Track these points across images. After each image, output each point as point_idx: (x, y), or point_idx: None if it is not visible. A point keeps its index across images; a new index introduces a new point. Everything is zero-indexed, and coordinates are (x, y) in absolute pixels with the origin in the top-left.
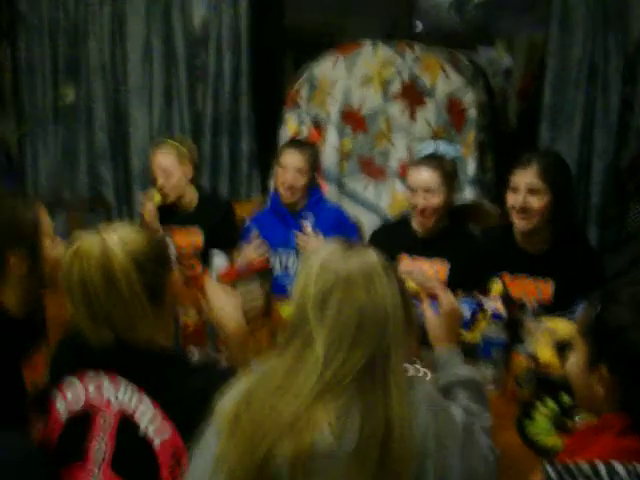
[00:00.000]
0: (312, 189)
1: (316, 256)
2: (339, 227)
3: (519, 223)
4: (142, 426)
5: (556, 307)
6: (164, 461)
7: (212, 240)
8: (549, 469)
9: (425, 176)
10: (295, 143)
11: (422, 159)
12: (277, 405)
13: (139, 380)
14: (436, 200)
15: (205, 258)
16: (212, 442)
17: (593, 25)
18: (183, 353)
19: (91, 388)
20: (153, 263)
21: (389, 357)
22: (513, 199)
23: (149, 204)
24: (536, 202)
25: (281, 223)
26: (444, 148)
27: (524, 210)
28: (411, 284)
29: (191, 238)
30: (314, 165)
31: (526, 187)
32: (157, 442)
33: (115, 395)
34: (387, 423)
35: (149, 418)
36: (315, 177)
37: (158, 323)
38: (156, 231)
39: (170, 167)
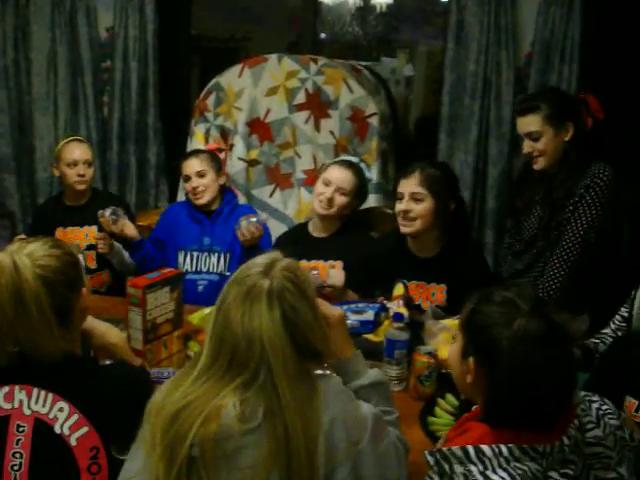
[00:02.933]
0: (225, 192)
1: (243, 264)
2: None
3: (403, 228)
4: (57, 425)
5: (449, 310)
6: (82, 458)
7: None
8: (428, 457)
9: (344, 175)
10: (192, 152)
11: (347, 163)
12: (184, 406)
13: (50, 385)
14: (343, 200)
15: (100, 255)
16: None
17: (486, 41)
18: (91, 357)
19: (1, 396)
20: (63, 284)
21: (274, 384)
22: (397, 206)
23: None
24: (418, 208)
25: (196, 225)
26: (363, 166)
27: (407, 216)
28: None
29: (83, 234)
30: (216, 166)
31: (409, 194)
32: (73, 439)
33: (27, 401)
34: (286, 434)
35: (64, 416)
36: (223, 179)
37: (66, 338)
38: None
39: (88, 158)
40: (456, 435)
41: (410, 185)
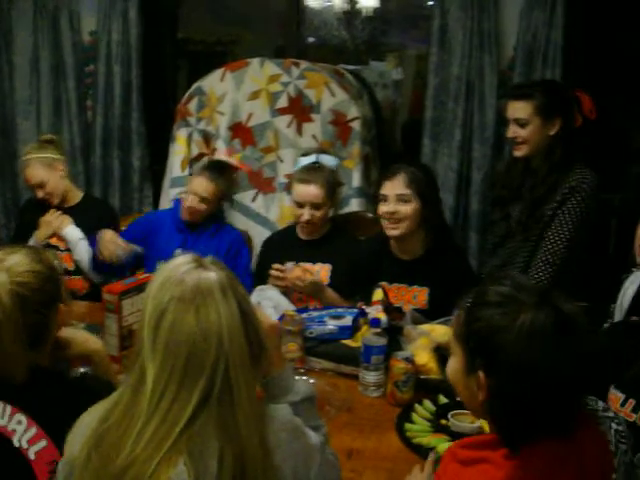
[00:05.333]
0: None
1: (160, 271)
2: (232, 250)
3: (390, 231)
4: (15, 438)
5: (431, 313)
6: (40, 472)
7: (89, 239)
8: None
9: (313, 192)
10: (211, 169)
11: (308, 174)
12: (122, 445)
13: (9, 397)
14: (321, 213)
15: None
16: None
17: (470, 45)
18: (58, 368)
19: None
20: (40, 302)
21: (230, 386)
22: (383, 208)
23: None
24: (405, 209)
25: (178, 236)
26: (327, 159)
27: (394, 218)
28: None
29: None
30: (220, 195)
31: (395, 196)
32: (32, 453)
33: None
34: (242, 461)
35: (22, 429)
36: (221, 204)
37: (35, 355)
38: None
39: (42, 179)
40: (469, 460)
41: (396, 187)
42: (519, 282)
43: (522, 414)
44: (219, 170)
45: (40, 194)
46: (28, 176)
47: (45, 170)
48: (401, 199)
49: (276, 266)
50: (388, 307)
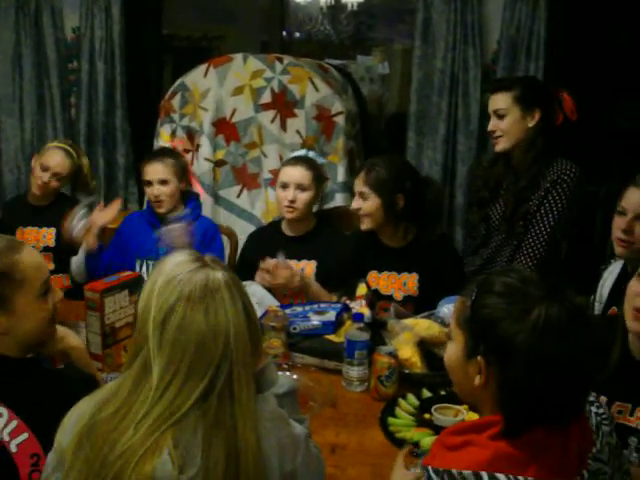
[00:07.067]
0: (187, 198)
1: (162, 268)
2: (206, 239)
3: (360, 225)
4: None
5: (421, 299)
6: (22, 465)
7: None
8: (432, 474)
9: (299, 172)
10: (157, 155)
11: (295, 159)
12: (117, 433)
13: None
14: (305, 196)
15: (58, 256)
16: (57, 471)
17: (453, 38)
18: (37, 360)
19: None
20: None
21: (231, 382)
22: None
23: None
24: (364, 206)
25: (153, 232)
26: (313, 155)
27: (359, 214)
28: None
29: (41, 236)
30: (180, 173)
31: (358, 193)
32: (14, 446)
33: None
34: (235, 451)
35: (4, 422)
36: (186, 184)
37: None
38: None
39: (59, 171)
40: (455, 446)
41: (357, 184)
42: (525, 275)
43: (531, 404)
44: (166, 153)
45: (45, 178)
46: (58, 161)
47: (63, 159)
48: (361, 196)
49: (268, 262)
50: (372, 301)
